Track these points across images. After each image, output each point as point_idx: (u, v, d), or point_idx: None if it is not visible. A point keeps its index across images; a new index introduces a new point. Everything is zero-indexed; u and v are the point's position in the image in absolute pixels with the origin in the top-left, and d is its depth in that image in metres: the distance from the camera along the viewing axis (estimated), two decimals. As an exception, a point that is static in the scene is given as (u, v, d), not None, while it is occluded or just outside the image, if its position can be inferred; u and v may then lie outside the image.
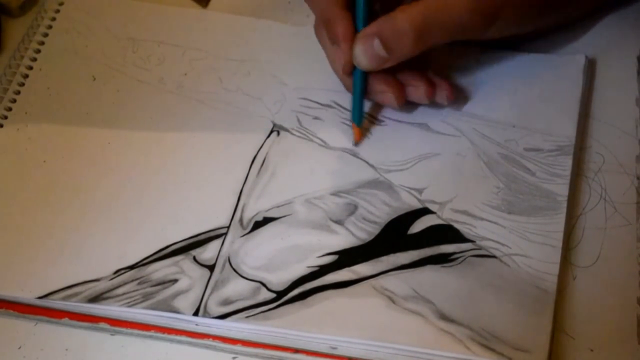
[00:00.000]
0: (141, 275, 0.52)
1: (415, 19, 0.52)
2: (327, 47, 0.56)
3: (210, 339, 0.50)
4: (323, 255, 0.52)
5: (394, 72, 0.55)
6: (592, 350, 0.49)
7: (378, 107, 0.58)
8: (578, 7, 0.59)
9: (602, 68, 0.59)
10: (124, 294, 0.51)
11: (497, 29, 0.54)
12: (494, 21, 0.53)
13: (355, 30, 0.54)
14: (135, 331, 0.51)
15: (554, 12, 0.57)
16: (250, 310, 0.50)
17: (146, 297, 0.51)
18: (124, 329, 0.51)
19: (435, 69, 0.57)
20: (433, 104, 0.56)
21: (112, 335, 0.51)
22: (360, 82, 0.55)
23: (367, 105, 0.58)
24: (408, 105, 0.57)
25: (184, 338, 0.50)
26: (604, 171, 0.55)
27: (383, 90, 0.55)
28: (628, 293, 0.50)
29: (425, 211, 0.53)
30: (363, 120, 0.56)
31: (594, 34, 0.60)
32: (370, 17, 0.53)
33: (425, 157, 0.55)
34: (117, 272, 0.52)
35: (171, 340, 0.50)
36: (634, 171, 0.55)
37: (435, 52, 0.56)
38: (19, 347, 0.50)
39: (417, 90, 0.56)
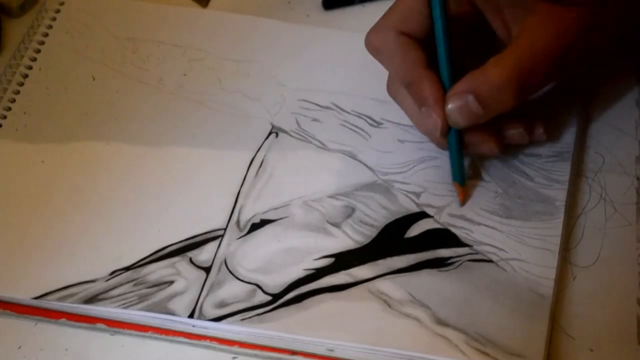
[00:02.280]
0: (137, 277, 0.52)
1: (511, 72, 0.48)
2: (409, 109, 0.53)
3: (208, 341, 0.50)
4: (320, 258, 0.52)
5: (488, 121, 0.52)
6: (592, 350, 0.49)
7: (377, 109, 0.58)
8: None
9: (602, 69, 0.58)
10: (119, 295, 0.51)
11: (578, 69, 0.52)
12: (576, 62, 0.51)
13: (444, 89, 0.51)
14: (134, 332, 0.51)
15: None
16: (245, 313, 0.50)
17: (142, 298, 0.51)
18: (121, 330, 0.51)
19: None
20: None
21: (112, 335, 0.51)
22: (456, 141, 0.52)
23: (366, 107, 0.57)
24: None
25: (182, 339, 0.50)
26: (603, 171, 0.55)
27: (483, 141, 0.53)
28: (628, 293, 0.50)
29: (422, 215, 0.53)
30: (466, 180, 0.54)
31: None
32: (454, 73, 0.51)
33: (424, 161, 0.55)
34: (113, 274, 0.52)
35: (170, 341, 0.50)
36: (634, 171, 0.55)
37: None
38: (19, 347, 0.50)
39: (516, 133, 0.53)
